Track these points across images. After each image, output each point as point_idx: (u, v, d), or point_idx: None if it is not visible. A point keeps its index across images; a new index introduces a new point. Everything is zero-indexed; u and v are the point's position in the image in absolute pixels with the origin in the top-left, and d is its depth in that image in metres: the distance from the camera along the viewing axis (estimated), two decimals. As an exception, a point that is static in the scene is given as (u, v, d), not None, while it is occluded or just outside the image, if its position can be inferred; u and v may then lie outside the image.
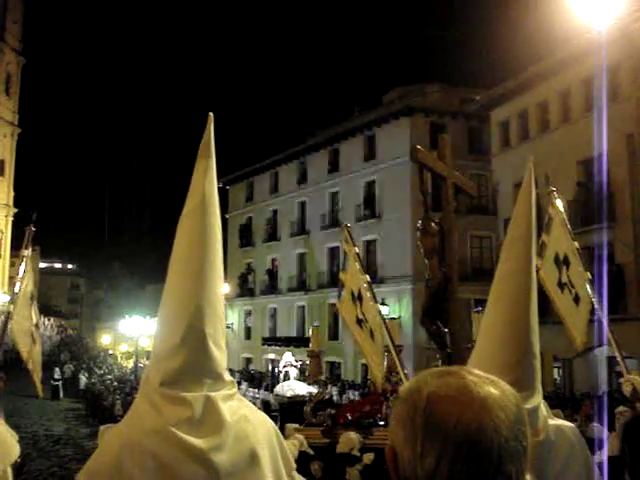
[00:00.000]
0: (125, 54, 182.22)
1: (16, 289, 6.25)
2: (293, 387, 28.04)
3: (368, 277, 8.07)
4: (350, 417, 10.50)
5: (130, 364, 54.64)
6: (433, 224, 12.56)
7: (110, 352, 64.58)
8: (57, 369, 41.36)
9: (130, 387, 35.16)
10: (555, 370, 29.07)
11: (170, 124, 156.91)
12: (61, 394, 39.20)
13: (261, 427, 2.10)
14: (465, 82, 43.26)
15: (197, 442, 1.92)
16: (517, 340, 2.56)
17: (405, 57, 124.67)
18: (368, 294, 7.89)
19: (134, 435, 1.94)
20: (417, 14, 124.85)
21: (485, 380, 1.31)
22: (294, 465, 2.23)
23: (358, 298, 8.01)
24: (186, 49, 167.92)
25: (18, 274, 6.38)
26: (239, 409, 2.07)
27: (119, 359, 61.78)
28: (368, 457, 8.58)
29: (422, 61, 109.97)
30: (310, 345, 11.09)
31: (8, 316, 6.03)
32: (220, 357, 2.09)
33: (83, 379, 41.61)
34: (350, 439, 8.86)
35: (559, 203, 6.46)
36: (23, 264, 6.45)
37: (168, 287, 2.15)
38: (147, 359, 54.73)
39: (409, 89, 43.27)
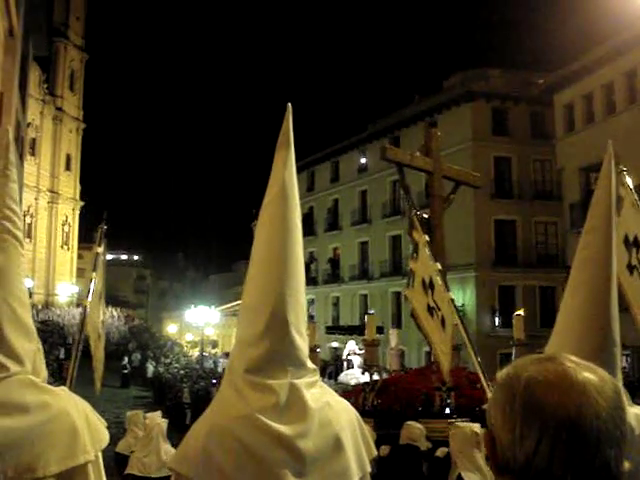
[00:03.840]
0: (188, 46, 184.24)
1: (92, 286, 6.42)
2: (357, 375, 28.17)
3: (439, 265, 8.01)
4: None
5: (195, 353, 55.45)
6: (416, 219, 12.65)
7: (175, 341, 65.56)
8: (126, 358, 42.27)
9: (196, 376, 35.72)
10: (624, 358, 28.55)
11: (234, 115, 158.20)
12: (130, 382, 40.07)
13: (343, 413, 2.12)
14: (527, 65, 42.53)
15: (283, 428, 1.94)
16: (598, 328, 2.53)
17: (466, 41, 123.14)
18: (440, 282, 7.83)
19: (221, 421, 1.98)
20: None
21: (584, 366, 1.32)
22: (375, 451, 2.24)
23: (430, 286, 7.95)
24: (249, 40, 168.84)
25: (93, 270, 6.55)
26: (322, 396, 2.09)
27: (185, 348, 62.71)
28: None
29: (483, 45, 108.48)
30: (366, 334, 11.08)
31: (85, 310, 6.20)
32: (302, 345, 2.12)
33: (150, 368, 42.43)
34: None
35: (630, 183, 6.30)
36: (97, 261, 6.62)
37: (250, 276, 2.18)
38: (212, 348, 55.54)
39: (470, 74, 42.68)
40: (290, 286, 2.12)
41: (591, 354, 2.43)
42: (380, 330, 42.41)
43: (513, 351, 9.82)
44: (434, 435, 8.33)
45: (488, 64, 43.44)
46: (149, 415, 9.83)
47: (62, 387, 2.05)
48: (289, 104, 2.25)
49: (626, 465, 1.29)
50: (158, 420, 9.34)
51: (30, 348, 1.99)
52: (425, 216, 12.52)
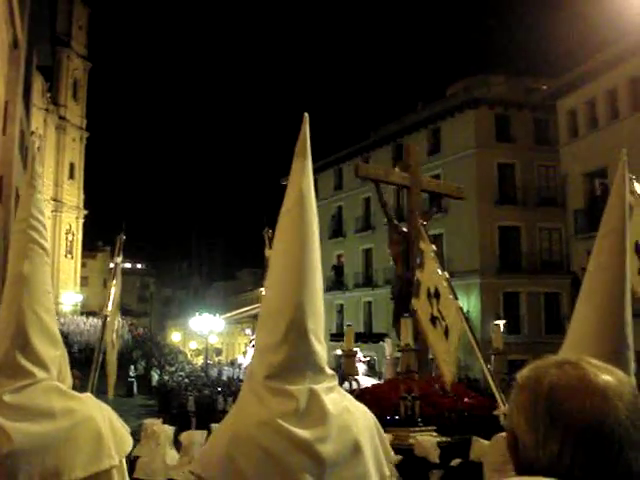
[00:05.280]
0: (192, 55, 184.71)
1: (111, 295, 6.48)
2: (361, 382, 28.12)
3: (447, 274, 8.03)
4: None
5: (200, 361, 55.34)
6: (396, 234, 12.74)
7: (179, 349, 65.41)
8: (132, 367, 42.24)
9: (201, 384, 35.71)
10: (635, 364, 28.43)
11: (239, 123, 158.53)
12: (135, 391, 40.05)
13: (362, 418, 2.15)
14: (530, 71, 42.49)
15: (303, 433, 1.97)
16: (612, 333, 2.56)
17: (469, 48, 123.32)
18: (447, 291, 7.83)
19: (242, 427, 2.01)
20: (480, 3, 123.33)
21: (603, 369, 1.37)
22: (393, 455, 2.27)
23: (435, 295, 7.97)
24: (254, 47, 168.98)
25: (112, 279, 6.60)
26: (341, 401, 2.12)
27: (189, 356, 62.58)
28: None
29: (486, 51, 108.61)
30: (344, 344, 11.21)
31: (106, 319, 6.26)
32: (321, 351, 2.15)
33: (155, 376, 42.41)
34: None
35: (638, 189, 6.33)
36: (116, 271, 6.68)
37: (270, 284, 2.21)
38: (217, 355, 55.44)
39: (473, 80, 42.72)
40: (308, 293, 2.16)
41: (605, 357, 2.45)
42: (384, 337, 42.39)
43: (492, 360, 9.81)
44: (395, 443, 8.51)
45: (491, 71, 43.48)
46: (154, 422, 9.93)
47: (87, 393, 2.08)
48: (305, 114, 2.28)
49: None
50: (166, 428, 9.44)
51: (55, 355, 2.02)
52: (404, 230, 12.57)
